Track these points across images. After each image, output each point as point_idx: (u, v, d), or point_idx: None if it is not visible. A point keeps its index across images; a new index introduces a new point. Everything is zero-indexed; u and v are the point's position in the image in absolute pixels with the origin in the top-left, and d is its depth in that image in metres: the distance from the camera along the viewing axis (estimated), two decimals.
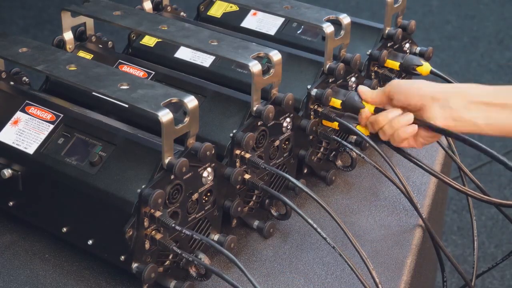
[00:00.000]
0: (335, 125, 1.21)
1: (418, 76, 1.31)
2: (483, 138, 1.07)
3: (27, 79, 1.21)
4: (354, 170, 1.26)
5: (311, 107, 1.20)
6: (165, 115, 0.96)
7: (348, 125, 1.18)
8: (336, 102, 1.21)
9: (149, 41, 1.34)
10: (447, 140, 1.28)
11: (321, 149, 1.25)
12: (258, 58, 1.10)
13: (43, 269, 1.07)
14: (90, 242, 1.03)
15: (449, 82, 1.29)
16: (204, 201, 1.05)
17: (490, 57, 3.33)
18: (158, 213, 0.98)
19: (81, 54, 1.26)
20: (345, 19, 1.21)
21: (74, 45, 1.26)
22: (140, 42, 1.35)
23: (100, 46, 1.29)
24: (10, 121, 1.11)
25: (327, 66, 1.20)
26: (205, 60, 1.28)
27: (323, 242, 1.13)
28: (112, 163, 1.02)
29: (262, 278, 1.07)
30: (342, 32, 1.21)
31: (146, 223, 0.98)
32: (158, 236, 0.99)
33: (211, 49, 1.12)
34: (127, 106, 1.01)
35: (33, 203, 1.09)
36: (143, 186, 0.97)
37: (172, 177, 0.98)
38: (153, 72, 1.22)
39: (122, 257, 0.99)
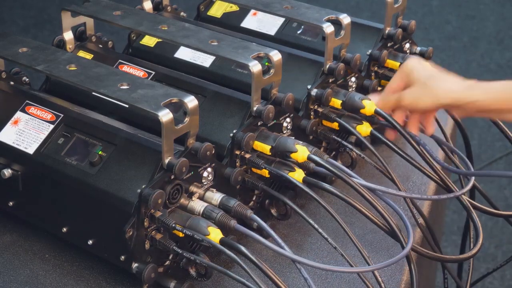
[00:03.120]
0: (335, 125, 1.21)
1: None
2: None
3: (27, 79, 1.21)
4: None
5: (311, 107, 1.20)
6: (165, 115, 0.96)
7: (348, 126, 1.18)
8: (336, 102, 1.21)
9: (149, 41, 1.34)
10: (446, 141, 1.28)
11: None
12: (258, 58, 1.10)
13: (43, 269, 1.07)
14: (90, 242, 1.03)
15: None
16: None
17: (490, 57, 3.33)
18: (158, 213, 0.98)
19: (81, 54, 1.26)
20: (345, 19, 1.22)
21: (74, 45, 1.26)
22: (140, 42, 1.35)
23: (100, 46, 1.29)
24: (10, 121, 1.11)
25: (327, 66, 1.20)
26: (205, 60, 1.28)
27: (324, 242, 1.13)
28: (112, 163, 1.02)
29: (262, 279, 1.07)
30: (342, 32, 1.21)
31: (146, 223, 0.98)
32: (158, 236, 0.99)
33: (211, 49, 1.12)
34: (127, 106, 1.01)
35: (33, 203, 1.09)
36: (143, 186, 0.97)
37: (172, 177, 0.98)
38: (153, 72, 1.22)
39: (122, 257, 0.99)
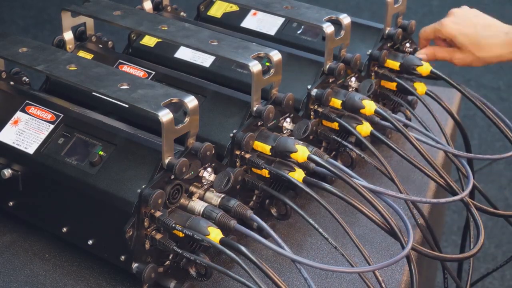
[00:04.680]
0: (335, 125, 1.21)
1: (418, 76, 1.32)
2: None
3: (27, 79, 1.21)
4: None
5: (311, 107, 1.20)
6: (165, 115, 0.96)
7: (348, 126, 1.18)
8: (336, 102, 1.21)
9: (149, 41, 1.34)
10: (447, 141, 1.28)
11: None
12: (258, 58, 1.10)
13: (43, 269, 1.07)
14: (90, 242, 1.03)
15: (448, 82, 1.30)
16: None
17: None
18: (158, 213, 0.98)
19: (81, 54, 1.26)
20: (345, 19, 1.22)
21: (74, 45, 1.26)
22: (140, 42, 1.35)
23: (100, 46, 1.29)
24: (10, 121, 1.11)
25: (327, 66, 1.20)
26: (205, 60, 1.28)
27: (324, 242, 1.14)
28: (112, 163, 1.02)
29: (262, 279, 1.07)
30: (342, 32, 1.21)
31: (146, 223, 0.98)
32: (158, 236, 0.99)
33: (211, 49, 1.12)
34: (127, 106, 1.01)
35: (33, 203, 1.09)
36: (143, 186, 0.97)
37: (172, 177, 0.98)
38: (153, 72, 1.22)
39: (122, 257, 0.99)
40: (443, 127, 1.29)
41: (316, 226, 1.02)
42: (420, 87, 1.30)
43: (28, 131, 1.10)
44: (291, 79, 1.21)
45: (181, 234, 0.98)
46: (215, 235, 0.96)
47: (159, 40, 1.30)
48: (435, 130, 1.27)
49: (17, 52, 1.12)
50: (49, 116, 1.10)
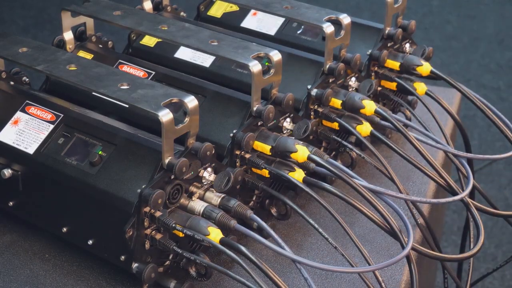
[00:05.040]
0: (335, 125, 1.21)
1: (418, 76, 1.32)
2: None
3: (27, 79, 1.21)
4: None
5: (311, 107, 1.20)
6: (165, 115, 0.96)
7: (348, 126, 1.19)
8: (336, 102, 1.21)
9: (149, 41, 1.34)
10: (447, 141, 1.28)
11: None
12: (258, 58, 1.10)
13: (43, 269, 1.07)
14: (90, 242, 1.03)
15: (448, 82, 1.30)
16: None
17: (490, 57, 3.33)
18: (158, 213, 0.98)
19: (81, 54, 1.26)
20: (345, 19, 1.22)
21: (74, 45, 1.26)
22: (140, 42, 1.35)
23: (100, 46, 1.29)
24: (10, 121, 1.12)
25: (327, 66, 1.21)
26: (205, 60, 1.28)
27: (324, 242, 1.14)
28: (112, 163, 1.02)
29: (262, 279, 1.07)
30: (342, 32, 1.21)
31: (146, 223, 0.98)
32: (158, 236, 0.99)
33: (211, 49, 1.12)
34: (127, 106, 1.01)
35: (33, 203, 1.09)
36: (143, 186, 0.97)
37: (172, 177, 0.98)
38: (153, 72, 1.22)
39: (122, 257, 0.99)
40: (443, 127, 1.29)
41: (316, 226, 1.02)
42: (420, 87, 1.30)
43: (28, 131, 1.10)
44: (291, 79, 1.21)
45: (181, 234, 0.98)
46: (215, 235, 0.96)
47: (159, 40, 1.30)
48: (435, 130, 1.27)
49: (17, 52, 1.12)
50: (49, 116, 1.10)
